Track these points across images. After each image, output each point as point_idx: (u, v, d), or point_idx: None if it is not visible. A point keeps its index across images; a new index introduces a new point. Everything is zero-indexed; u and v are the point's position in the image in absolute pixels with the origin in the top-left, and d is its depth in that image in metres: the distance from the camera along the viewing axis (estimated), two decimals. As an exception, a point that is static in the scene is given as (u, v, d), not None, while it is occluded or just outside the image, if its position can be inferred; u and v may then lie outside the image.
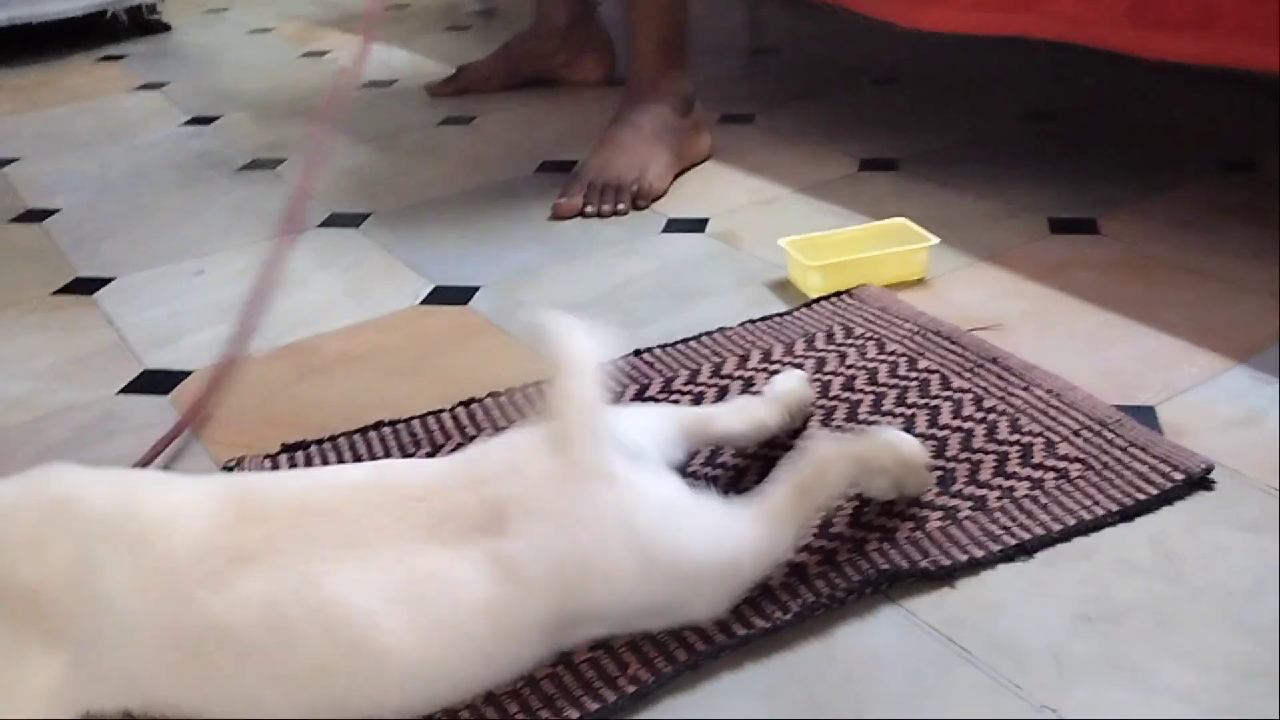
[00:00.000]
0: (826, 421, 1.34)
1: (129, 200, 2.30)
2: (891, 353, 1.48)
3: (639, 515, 1.00)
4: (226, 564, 0.94)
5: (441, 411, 1.45)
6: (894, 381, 1.41)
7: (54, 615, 0.93)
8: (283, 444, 1.39)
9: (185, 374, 1.61)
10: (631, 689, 0.98)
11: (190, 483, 1.03)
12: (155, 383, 1.60)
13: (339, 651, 0.92)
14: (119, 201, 2.30)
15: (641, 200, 2.05)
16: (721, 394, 1.42)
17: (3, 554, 0.95)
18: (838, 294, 1.64)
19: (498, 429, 1.40)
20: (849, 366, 1.45)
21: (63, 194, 2.35)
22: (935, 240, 1.70)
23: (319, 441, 1.40)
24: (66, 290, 1.91)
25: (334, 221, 2.11)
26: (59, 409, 1.55)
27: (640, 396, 1.44)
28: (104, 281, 1.92)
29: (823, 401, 1.38)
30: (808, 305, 1.63)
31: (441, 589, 0.95)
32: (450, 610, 0.94)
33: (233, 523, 0.97)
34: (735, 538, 1.04)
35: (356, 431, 1.43)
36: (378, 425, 1.44)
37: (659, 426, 1.18)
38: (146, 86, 3.11)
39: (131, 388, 1.59)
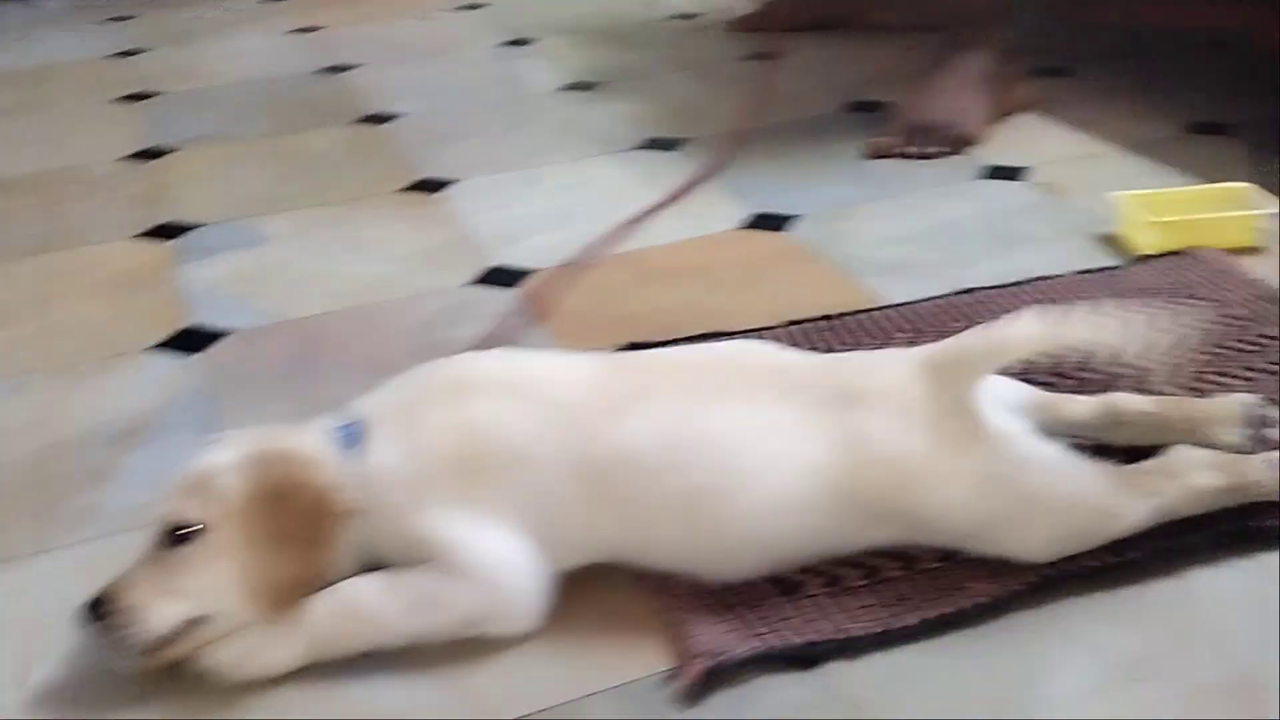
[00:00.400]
0: (1170, 380, 1.33)
1: (462, 110, 2.46)
2: (1234, 316, 1.45)
3: (989, 441, 1.05)
4: (620, 402, 1.07)
5: (771, 328, 1.52)
6: (1237, 345, 1.39)
7: (485, 483, 1.05)
8: (630, 343, 1.49)
9: (528, 272, 1.73)
10: (981, 600, 1.03)
11: (564, 355, 1.15)
12: (502, 277, 1.73)
13: (717, 476, 1.04)
14: (453, 110, 2.46)
15: (960, 144, 2.06)
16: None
17: (431, 436, 1.07)
18: (1172, 253, 1.62)
19: (830, 350, 1.45)
20: (1190, 325, 1.44)
21: (402, 100, 2.53)
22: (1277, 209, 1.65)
23: (660, 344, 1.49)
24: (413, 189, 2.07)
25: (655, 145, 2.20)
26: (416, 293, 1.70)
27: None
28: (446, 183, 2.07)
29: (1164, 359, 1.37)
30: (1142, 260, 1.62)
31: (792, 441, 1.05)
32: (798, 460, 1.04)
33: (614, 374, 1.12)
34: (1079, 483, 1.06)
35: (690, 338, 1.51)
36: (709, 335, 1.52)
37: (1019, 395, 1.20)
38: (468, 6, 3.28)
39: (481, 280, 1.73)
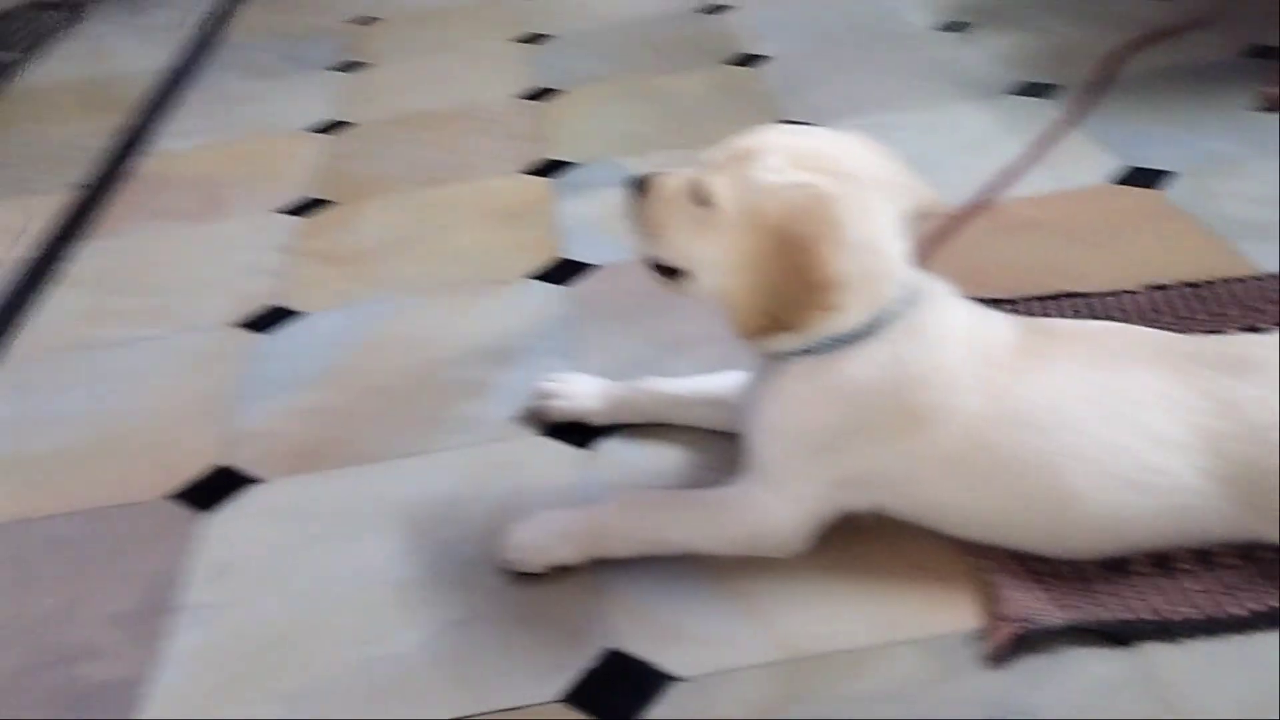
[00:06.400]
0: None
1: (830, 51, 2.47)
2: None
3: None
4: (1031, 359, 1.10)
5: (1129, 293, 1.46)
6: None
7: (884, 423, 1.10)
8: (979, 298, 1.47)
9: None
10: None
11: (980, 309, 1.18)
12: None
13: (1117, 433, 1.04)
14: (821, 52, 2.48)
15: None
16: None
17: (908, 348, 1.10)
18: None
19: (1193, 320, 1.38)
20: None
21: (772, 40, 2.57)
22: None
23: (1009, 300, 1.47)
24: (776, 131, 2.12)
25: (1022, 90, 2.13)
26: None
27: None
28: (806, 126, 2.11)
29: None
30: None
31: (1174, 408, 1.05)
32: (1179, 426, 1.04)
33: (1029, 333, 1.14)
34: None
35: (1043, 298, 1.48)
36: (1061, 295, 1.48)
37: None
38: (846, -58, 3.26)
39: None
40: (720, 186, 1.11)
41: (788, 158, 1.09)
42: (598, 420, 1.38)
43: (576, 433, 1.38)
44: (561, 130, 2.27)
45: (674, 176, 1.18)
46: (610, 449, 1.35)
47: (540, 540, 1.16)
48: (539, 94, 2.46)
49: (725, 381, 1.33)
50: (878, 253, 1.09)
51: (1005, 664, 0.99)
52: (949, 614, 1.05)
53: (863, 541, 1.13)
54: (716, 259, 1.12)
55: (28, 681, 1.14)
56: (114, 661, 1.14)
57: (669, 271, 1.20)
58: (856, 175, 1.10)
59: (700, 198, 1.12)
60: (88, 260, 1.99)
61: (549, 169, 2.10)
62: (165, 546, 1.28)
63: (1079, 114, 1.97)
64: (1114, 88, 2.07)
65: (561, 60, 2.65)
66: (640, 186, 1.19)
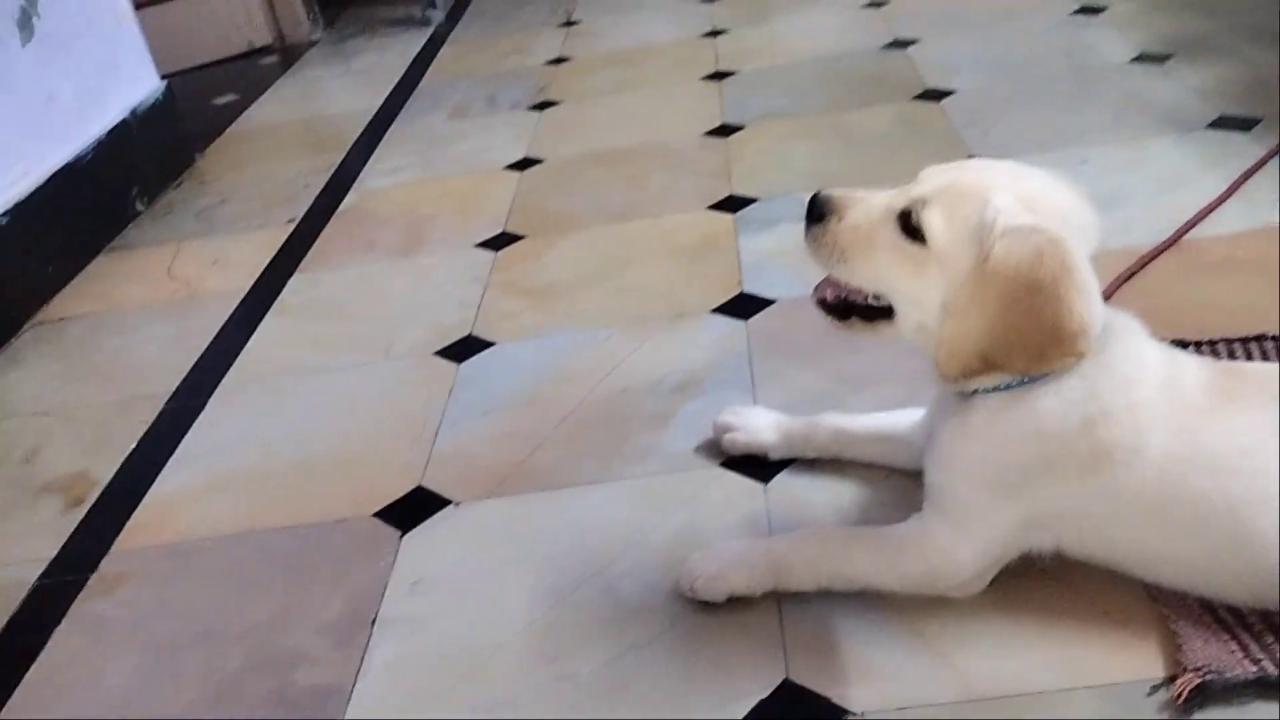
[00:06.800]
0: None
1: (1019, 85, 2.45)
2: None
3: None
4: (1222, 400, 1.07)
5: (1332, 335, 1.41)
6: None
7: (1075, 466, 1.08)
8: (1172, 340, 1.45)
9: (1067, 258, 1.72)
10: None
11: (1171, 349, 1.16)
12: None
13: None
14: (1009, 85, 2.45)
15: None
16: None
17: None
18: None
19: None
20: None
21: (959, 75, 2.56)
22: None
23: (1196, 343, 1.44)
24: (960, 166, 2.11)
25: (1222, 124, 2.07)
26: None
27: None
28: (994, 162, 2.09)
29: None
30: None
31: None
32: None
33: (1221, 375, 1.11)
34: None
35: (1237, 340, 1.44)
36: (1260, 338, 1.44)
37: None
38: (1039, -27, 3.21)
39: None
40: (936, 221, 1.08)
41: (1015, 199, 1.06)
42: (775, 454, 1.41)
43: (755, 465, 1.41)
44: (746, 166, 2.31)
45: (868, 201, 1.14)
46: (787, 483, 1.38)
47: (720, 570, 1.20)
48: (725, 130, 2.51)
49: (903, 418, 1.34)
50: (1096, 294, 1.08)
51: (1189, 715, 0.97)
52: (1131, 661, 1.03)
53: (1044, 584, 1.13)
54: (930, 298, 1.09)
55: (250, 682, 1.24)
56: (323, 668, 1.24)
57: (843, 311, 1.18)
58: (1066, 215, 1.09)
59: (912, 230, 1.09)
60: (300, 291, 2.13)
61: (733, 204, 2.14)
62: (370, 562, 1.38)
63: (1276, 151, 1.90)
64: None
65: (747, 98, 2.70)
66: (828, 207, 1.15)
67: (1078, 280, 1.04)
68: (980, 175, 1.11)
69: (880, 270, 1.13)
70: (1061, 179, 1.13)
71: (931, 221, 1.08)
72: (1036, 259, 1.03)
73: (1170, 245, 1.69)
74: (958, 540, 1.12)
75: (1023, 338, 1.05)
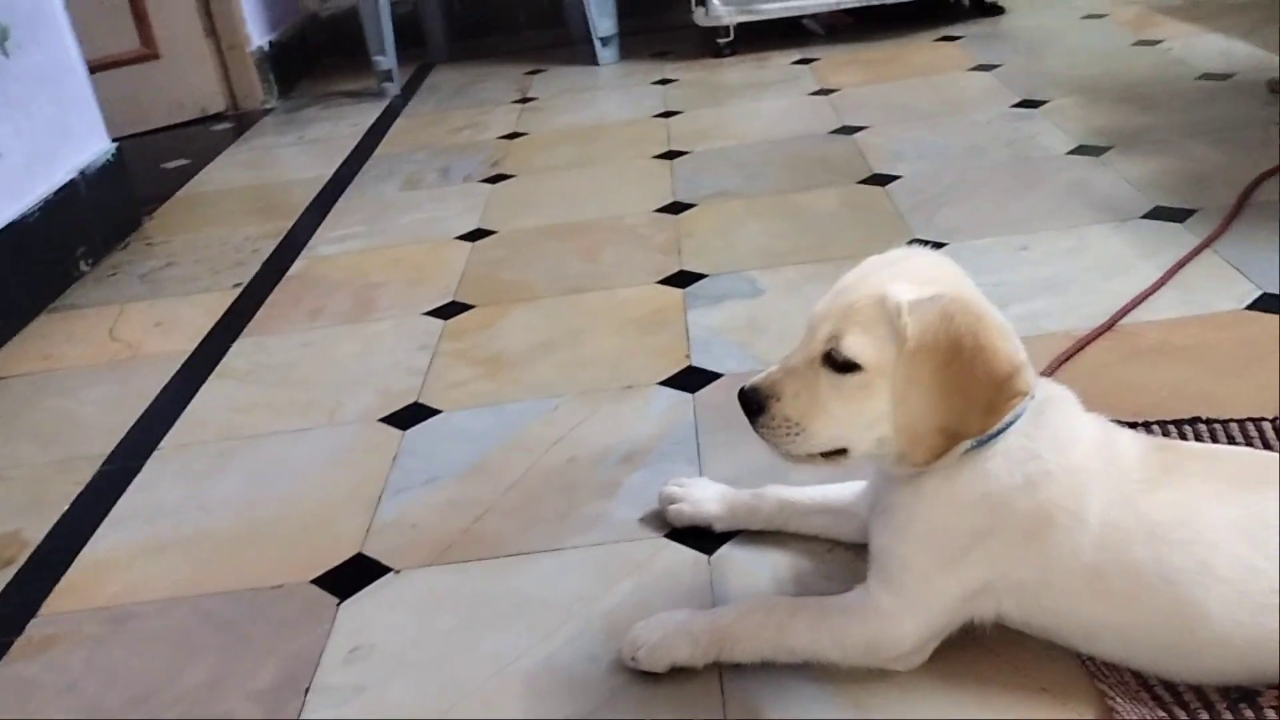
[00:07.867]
0: None
1: (963, 173, 2.51)
2: None
3: None
4: (1159, 472, 1.10)
5: (1263, 420, 1.44)
6: None
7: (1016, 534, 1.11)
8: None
9: (1008, 339, 1.76)
10: None
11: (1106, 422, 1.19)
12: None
13: (1251, 554, 1.03)
14: (953, 173, 2.52)
15: None
16: None
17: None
18: None
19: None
20: None
21: (904, 161, 2.63)
22: None
23: (1132, 424, 1.46)
24: (906, 249, 2.16)
25: (1158, 214, 2.13)
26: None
27: None
28: (937, 246, 2.14)
29: None
30: None
31: None
32: None
33: (1158, 450, 1.14)
34: None
35: (1171, 422, 1.47)
36: (1194, 420, 1.47)
37: None
38: (980, 67, 3.31)
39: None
40: (858, 341, 1.10)
41: (907, 281, 1.10)
42: (720, 526, 1.41)
43: (700, 537, 1.41)
44: (696, 243, 2.34)
45: (788, 368, 1.15)
46: (731, 555, 1.38)
47: (663, 640, 1.19)
48: (676, 208, 2.55)
49: (846, 491, 1.36)
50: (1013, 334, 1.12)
51: (1125, 791, 0.98)
52: (1068, 738, 1.04)
53: (982, 658, 1.14)
54: (880, 410, 1.11)
55: (175, 749, 1.21)
56: (254, 735, 1.21)
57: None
58: (959, 277, 1.15)
59: (841, 365, 1.11)
60: (244, 355, 2.12)
61: (683, 280, 2.16)
62: (306, 628, 1.35)
63: (1214, 239, 1.96)
64: (1251, 213, 2.06)
65: (698, 176, 2.74)
66: (763, 394, 1.15)
67: (992, 325, 1.09)
68: (866, 280, 1.14)
69: (837, 417, 1.13)
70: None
71: (854, 345, 1.10)
72: (947, 321, 1.07)
73: (1107, 329, 1.74)
74: (902, 609, 1.13)
75: (967, 397, 1.07)
